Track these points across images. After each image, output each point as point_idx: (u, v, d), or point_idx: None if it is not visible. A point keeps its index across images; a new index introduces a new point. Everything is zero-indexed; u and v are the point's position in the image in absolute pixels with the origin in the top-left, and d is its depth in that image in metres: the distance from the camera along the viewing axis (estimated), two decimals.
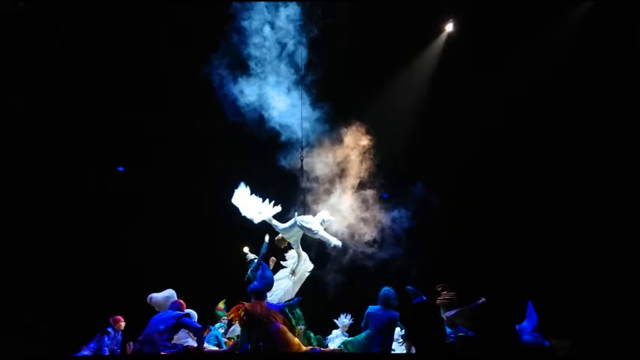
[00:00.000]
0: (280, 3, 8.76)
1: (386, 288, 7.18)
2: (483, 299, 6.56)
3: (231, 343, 7.82)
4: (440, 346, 3.30)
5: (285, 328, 6.86)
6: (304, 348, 6.97)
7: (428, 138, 10.55)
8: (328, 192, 8.45)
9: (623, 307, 8.60)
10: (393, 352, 7.25)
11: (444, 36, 10.78)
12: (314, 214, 8.09)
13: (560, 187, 9.95)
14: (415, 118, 10.75)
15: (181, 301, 7.24)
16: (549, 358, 6.04)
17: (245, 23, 8.69)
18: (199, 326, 7.12)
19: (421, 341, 3.31)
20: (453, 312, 6.60)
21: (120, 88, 9.84)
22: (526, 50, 10.10)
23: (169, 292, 7.51)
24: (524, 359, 3.92)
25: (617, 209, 9.38)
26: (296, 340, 6.92)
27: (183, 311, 7.03)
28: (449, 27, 10.67)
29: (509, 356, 3.29)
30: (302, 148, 8.58)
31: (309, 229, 7.75)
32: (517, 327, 6.56)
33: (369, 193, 8.43)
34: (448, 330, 6.35)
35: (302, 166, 8.53)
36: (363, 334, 7.01)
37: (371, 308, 7.09)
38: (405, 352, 7.35)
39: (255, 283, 7.27)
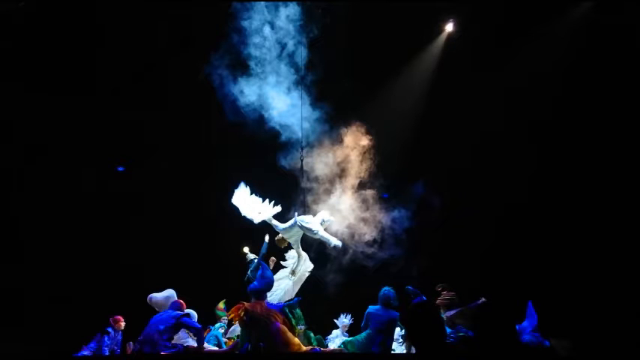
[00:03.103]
0: (280, 3, 8.77)
1: (386, 288, 7.18)
2: (483, 299, 6.56)
3: (231, 343, 7.82)
4: (440, 346, 3.30)
5: (285, 328, 6.86)
6: (304, 348, 6.97)
7: (428, 138, 10.55)
8: (328, 192, 8.45)
9: (623, 307, 8.60)
10: (393, 352, 7.25)
11: (444, 36, 10.78)
12: (314, 214, 8.09)
13: (561, 186, 9.95)
14: (415, 118, 10.74)
15: (181, 301, 7.24)
16: (549, 358, 6.03)
17: (245, 23, 8.70)
18: (199, 326, 7.12)
19: (421, 341, 3.31)
20: (453, 312, 6.60)
21: (120, 88, 9.84)
22: (526, 50, 10.10)
23: (169, 292, 7.51)
24: (524, 359, 3.91)
25: (617, 209, 9.37)
26: (296, 340, 6.92)
27: (183, 311, 7.03)
28: (449, 27, 10.67)
29: (509, 356, 3.29)
30: (302, 148, 8.58)
31: (309, 229, 7.75)
32: (517, 327, 6.56)
33: (369, 193, 8.44)
34: (448, 330, 6.35)
35: (302, 166, 8.53)
36: (363, 334, 7.01)
37: (371, 308, 7.09)
38: (405, 352, 7.35)
39: (255, 283, 7.27)
